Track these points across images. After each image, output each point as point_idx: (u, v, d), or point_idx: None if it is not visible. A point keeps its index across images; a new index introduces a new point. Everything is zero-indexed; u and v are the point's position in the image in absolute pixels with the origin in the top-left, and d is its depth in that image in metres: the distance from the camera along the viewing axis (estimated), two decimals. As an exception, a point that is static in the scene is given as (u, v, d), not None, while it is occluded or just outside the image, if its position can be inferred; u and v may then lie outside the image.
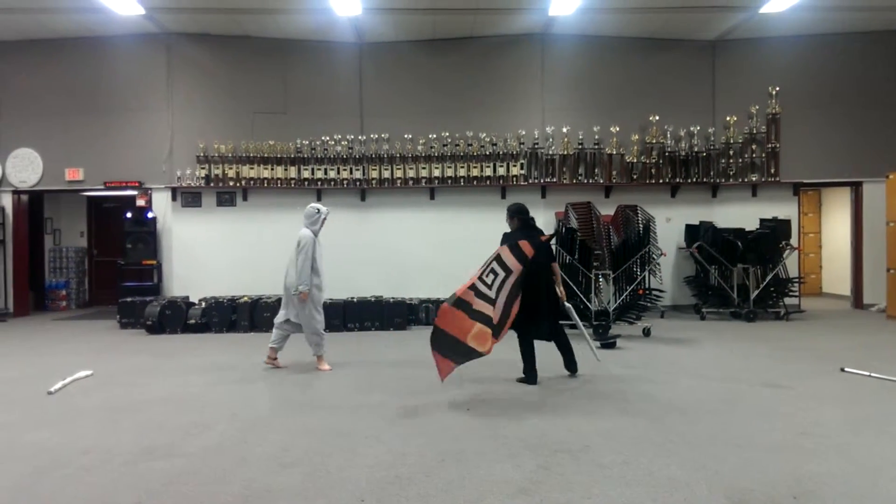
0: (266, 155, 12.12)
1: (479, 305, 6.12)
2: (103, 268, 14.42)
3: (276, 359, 7.60)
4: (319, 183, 12.14)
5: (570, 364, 6.95)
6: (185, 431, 5.05)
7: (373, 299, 10.88)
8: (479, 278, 6.22)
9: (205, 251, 12.33)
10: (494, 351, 7.38)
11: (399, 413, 5.53)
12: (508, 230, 7.17)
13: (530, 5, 11.03)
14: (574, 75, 12.57)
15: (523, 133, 12.13)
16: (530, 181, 12.18)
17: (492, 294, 6.16)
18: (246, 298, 10.79)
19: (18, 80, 12.50)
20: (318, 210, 7.59)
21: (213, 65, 12.47)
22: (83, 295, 14.36)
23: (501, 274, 6.20)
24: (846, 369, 6.93)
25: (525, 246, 6.22)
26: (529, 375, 6.69)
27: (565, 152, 12.17)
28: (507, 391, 6.29)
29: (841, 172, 12.56)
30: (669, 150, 12.22)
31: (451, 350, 6.04)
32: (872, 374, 6.66)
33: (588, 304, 9.53)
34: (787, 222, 11.63)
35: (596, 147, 12.19)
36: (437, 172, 12.09)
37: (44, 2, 10.66)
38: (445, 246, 12.34)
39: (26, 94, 12.48)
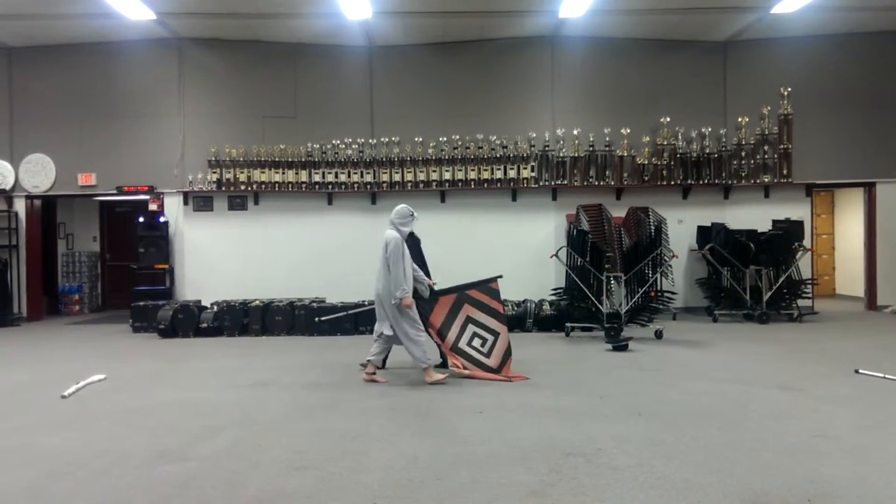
0: (277, 159, 12.17)
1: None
2: (116, 272, 14.52)
3: (374, 373, 6.95)
4: (330, 186, 12.17)
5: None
6: (197, 435, 5.07)
7: (384, 302, 10.87)
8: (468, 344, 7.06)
9: (217, 255, 12.38)
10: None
11: (411, 416, 5.53)
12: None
13: (540, 7, 11.03)
14: (584, 77, 12.55)
15: (534, 135, 12.12)
16: (541, 183, 12.17)
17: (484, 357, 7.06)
18: (258, 302, 10.82)
19: (31, 85, 12.60)
20: (412, 213, 7.31)
21: (224, 69, 12.53)
22: (96, 299, 14.44)
23: (490, 338, 7.09)
24: (860, 371, 6.88)
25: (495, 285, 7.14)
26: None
27: (576, 154, 12.15)
28: (519, 394, 6.27)
29: (854, 173, 12.48)
30: (681, 151, 12.18)
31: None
32: (887, 376, 6.60)
33: (600, 306, 9.51)
34: (800, 223, 11.56)
35: (607, 149, 12.17)
36: (447, 175, 12.10)
37: (56, 8, 10.73)
38: (456, 248, 12.32)
39: (39, 100, 12.58)
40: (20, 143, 12.60)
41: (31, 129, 12.56)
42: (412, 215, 7.28)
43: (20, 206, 12.69)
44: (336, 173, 12.17)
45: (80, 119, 12.50)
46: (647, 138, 12.18)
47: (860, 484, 3.92)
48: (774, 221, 11.71)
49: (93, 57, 12.51)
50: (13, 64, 12.61)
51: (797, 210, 12.19)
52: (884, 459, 4.33)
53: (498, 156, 12.10)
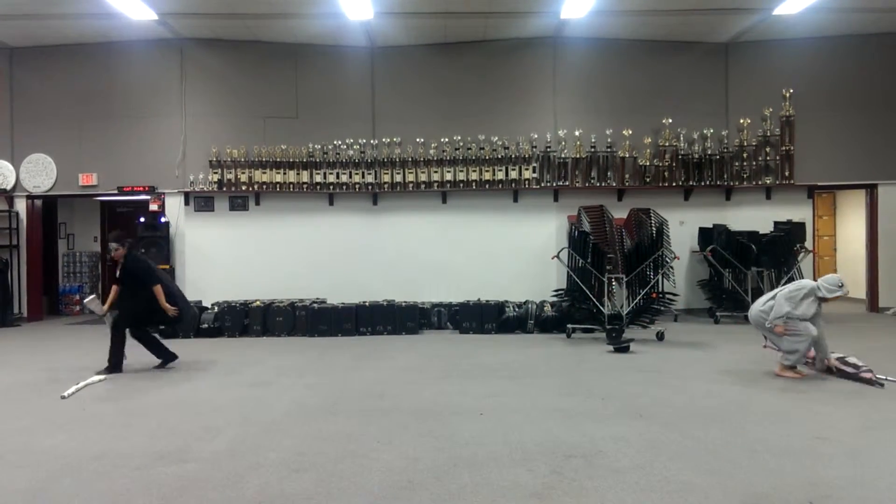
0: (278, 159, 12.16)
1: None
2: (117, 272, 14.48)
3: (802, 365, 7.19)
4: (331, 187, 12.17)
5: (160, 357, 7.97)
6: (197, 436, 5.06)
7: (385, 303, 10.87)
8: None
9: (217, 255, 12.38)
10: (506, 354, 7.39)
11: (411, 418, 5.51)
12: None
13: (542, 8, 11.01)
14: (586, 78, 12.53)
15: (535, 136, 12.11)
16: (542, 184, 12.16)
17: None
18: (259, 302, 10.82)
19: (32, 85, 12.60)
20: (842, 286, 6.98)
21: (226, 70, 12.53)
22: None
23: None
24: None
25: None
26: (117, 365, 7.66)
27: (578, 155, 12.14)
28: (520, 396, 6.26)
29: (856, 175, 12.47)
30: (682, 152, 12.17)
31: None
32: (888, 378, 6.59)
33: (601, 307, 9.49)
34: (802, 225, 11.55)
35: (608, 150, 12.16)
36: (449, 176, 12.09)
37: (57, 7, 10.73)
38: (458, 249, 12.34)
39: (40, 100, 12.58)
40: (21, 142, 12.59)
41: (33, 129, 12.56)
42: (840, 286, 6.97)
43: (21, 206, 12.69)
44: (337, 174, 12.16)
45: (81, 119, 12.50)
46: (649, 139, 12.16)
47: (861, 486, 3.90)
48: (776, 223, 11.69)
49: (94, 57, 12.51)
50: (14, 63, 12.60)
51: (799, 212, 12.18)
52: (885, 462, 4.31)
53: (499, 157, 12.08)
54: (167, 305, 7.71)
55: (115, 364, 7.67)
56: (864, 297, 12.99)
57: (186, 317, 8.17)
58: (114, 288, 7.95)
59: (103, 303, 7.97)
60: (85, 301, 7.97)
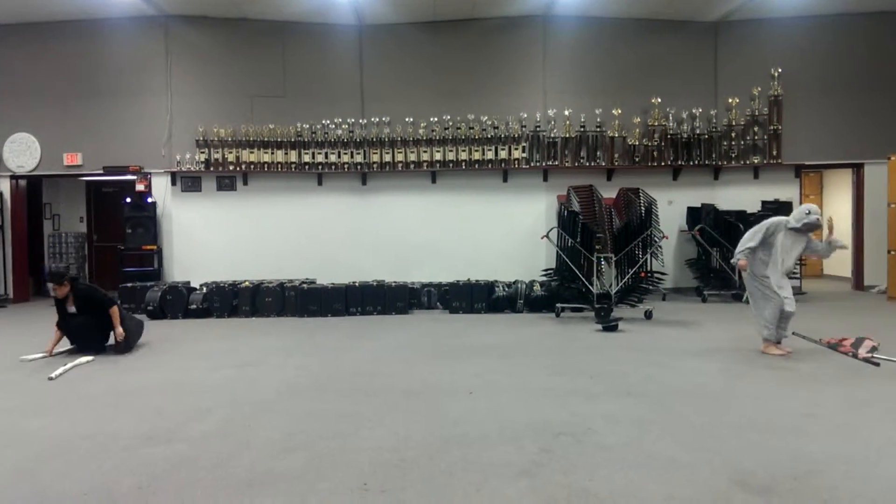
0: (266, 139, 12.08)
1: None
2: (103, 253, 14.40)
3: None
4: (320, 167, 12.11)
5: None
6: (186, 416, 5.05)
7: (374, 283, 10.86)
8: None
9: (205, 236, 12.33)
10: (496, 333, 7.40)
11: (401, 397, 5.52)
12: None
13: (531, -14, 10.95)
14: (576, 57, 12.48)
15: (525, 116, 12.07)
16: (532, 164, 12.14)
17: None
18: (247, 283, 10.78)
19: (14, 63, 12.42)
20: (809, 212, 6.89)
21: (212, 48, 12.39)
22: (83, 280, 14.31)
23: None
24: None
25: None
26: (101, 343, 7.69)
27: (567, 135, 12.12)
28: (509, 375, 6.28)
29: (842, 154, 12.52)
30: (671, 132, 12.18)
31: None
32: (874, 356, 6.65)
33: (590, 286, 9.52)
34: (789, 204, 11.60)
35: (598, 130, 12.14)
36: (438, 156, 12.05)
37: (40, -15, 10.58)
38: (447, 229, 12.33)
39: (23, 78, 12.41)
40: (3, 121, 12.44)
41: (15, 108, 12.41)
42: (808, 213, 6.91)
43: (5, 186, 12.57)
44: (326, 154, 12.10)
45: (65, 98, 12.35)
46: (638, 119, 12.15)
47: (846, 462, 3.94)
48: (763, 202, 11.75)
49: (78, 34, 12.32)
50: (-4, 41, 12.44)
51: (786, 191, 12.24)
52: (870, 438, 4.36)
53: (489, 136, 12.05)
54: (120, 329, 7.56)
55: (98, 345, 7.65)
56: (849, 275, 13.10)
57: (134, 337, 7.95)
58: (56, 332, 7.58)
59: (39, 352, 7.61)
60: (32, 361, 7.44)
